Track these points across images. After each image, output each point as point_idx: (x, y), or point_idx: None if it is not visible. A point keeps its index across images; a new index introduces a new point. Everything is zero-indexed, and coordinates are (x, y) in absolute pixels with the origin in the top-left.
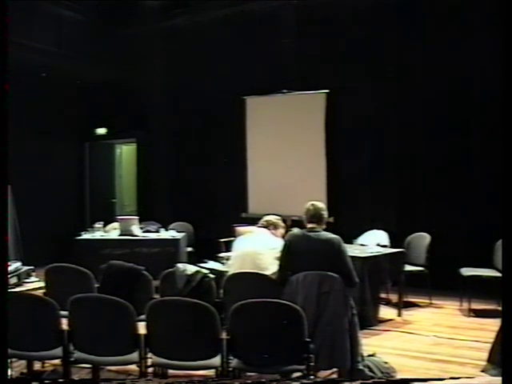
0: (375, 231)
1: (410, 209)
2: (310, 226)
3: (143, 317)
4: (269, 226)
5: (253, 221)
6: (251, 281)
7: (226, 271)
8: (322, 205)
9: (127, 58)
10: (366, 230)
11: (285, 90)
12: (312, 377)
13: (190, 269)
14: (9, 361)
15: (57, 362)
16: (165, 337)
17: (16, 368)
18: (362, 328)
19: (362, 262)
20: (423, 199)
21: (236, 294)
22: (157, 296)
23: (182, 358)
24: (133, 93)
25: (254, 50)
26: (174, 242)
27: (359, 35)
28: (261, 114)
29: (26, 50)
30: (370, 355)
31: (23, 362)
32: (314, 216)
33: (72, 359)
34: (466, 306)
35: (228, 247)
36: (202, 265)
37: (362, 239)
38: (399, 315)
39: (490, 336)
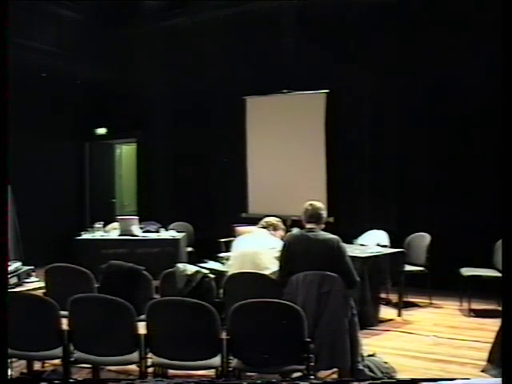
0: (375, 231)
1: (410, 209)
2: (308, 226)
3: (143, 317)
4: (268, 226)
5: (253, 221)
6: (251, 281)
7: (226, 271)
8: (320, 204)
9: (127, 58)
10: (365, 230)
11: (285, 90)
12: (312, 377)
13: (190, 269)
14: (9, 361)
15: (57, 361)
16: (165, 337)
17: (16, 368)
18: (362, 328)
19: (362, 262)
20: (423, 199)
21: (236, 294)
22: (157, 296)
23: (182, 358)
24: (133, 93)
25: (254, 50)
26: (174, 241)
27: (359, 35)
28: (261, 114)
29: (26, 50)
30: (369, 355)
31: (23, 362)
32: (313, 216)
33: (72, 359)
34: (466, 306)
35: (228, 247)
36: (201, 265)
37: (361, 239)
38: (399, 315)
39: (490, 336)
